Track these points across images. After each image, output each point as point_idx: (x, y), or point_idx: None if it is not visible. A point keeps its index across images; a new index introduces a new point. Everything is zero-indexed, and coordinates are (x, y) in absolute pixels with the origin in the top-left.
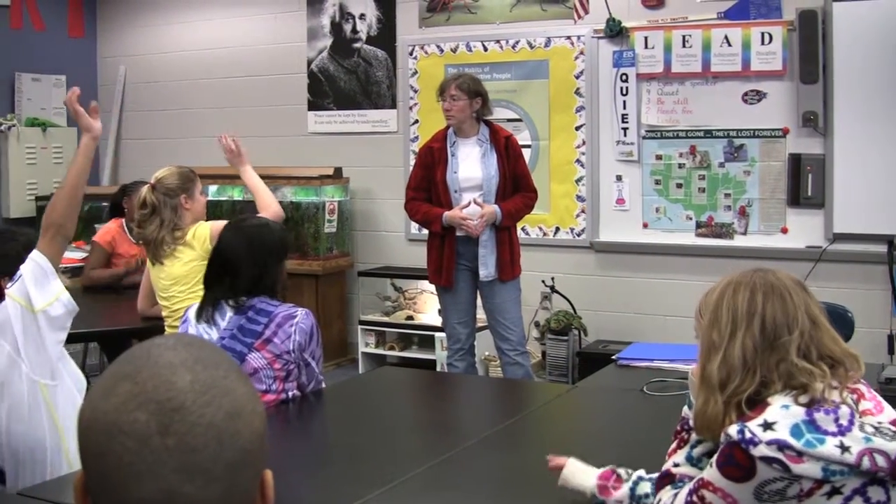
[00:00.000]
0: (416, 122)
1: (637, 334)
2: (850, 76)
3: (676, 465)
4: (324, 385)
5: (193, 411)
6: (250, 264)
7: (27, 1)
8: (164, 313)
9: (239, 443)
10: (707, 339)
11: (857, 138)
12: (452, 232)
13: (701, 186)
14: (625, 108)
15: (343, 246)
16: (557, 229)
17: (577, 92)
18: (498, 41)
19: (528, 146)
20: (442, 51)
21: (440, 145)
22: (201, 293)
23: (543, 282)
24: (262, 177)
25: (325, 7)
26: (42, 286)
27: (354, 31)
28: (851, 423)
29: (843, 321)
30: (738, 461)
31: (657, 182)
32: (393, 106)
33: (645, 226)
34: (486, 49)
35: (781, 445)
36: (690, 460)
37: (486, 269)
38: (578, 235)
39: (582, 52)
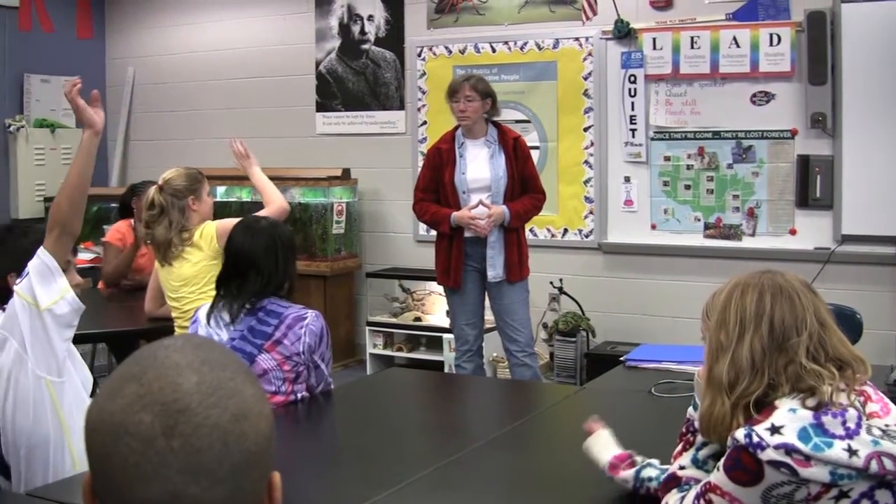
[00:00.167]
0: (425, 123)
1: (645, 336)
2: (858, 77)
3: (682, 468)
4: (332, 387)
5: (199, 413)
6: (262, 264)
7: (36, 2)
8: (174, 314)
9: (245, 444)
10: (714, 340)
11: (865, 140)
12: (460, 233)
13: (709, 188)
14: (633, 109)
15: (351, 247)
16: (565, 231)
17: (586, 93)
18: (506, 42)
19: (537, 147)
20: (450, 52)
21: (448, 146)
22: (211, 293)
23: (551, 283)
24: (271, 178)
25: (333, 8)
26: (47, 284)
27: (363, 32)
28: (859, 425)
29: (851, 323)
30: (745, 465)
31: (665, 183)
32: (401, 107)
33: (653, 227)
34: (494, 50)
35: (789, 449)
36: (696, 462)
37: (495, 271)
38: (586, 237)
39: (590, 54)
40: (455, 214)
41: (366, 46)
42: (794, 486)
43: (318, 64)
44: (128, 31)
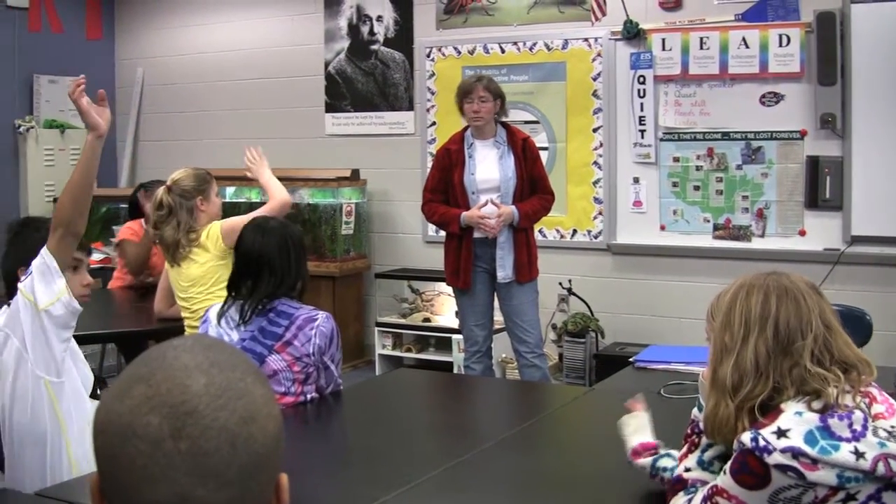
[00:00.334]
0: (434, 123)
1: (654, 336)
2: (868, 78)
3: (688, 470)
4: (341, 387)
5: (207, 415)
6: (276, 264)
7: (45, 3)
8: (183, 314)
9: (253, 447)
10: (719, 341)
11: (875, 140)
12: (470, 234)
13: (718, 189)
14: (642, 110)
15: (360, 248)
16: (574, 231)
17: (595, 94)
18: (515, 43)
19: (546, 148)
20: (459, 53)
21: (457, 147)
22: (219, 293)
23: (560, 284)
24: (280, 178)
25: (342, 9)
26: (47, 285)
27: (372, 32)
28: (865, 427)
29: (860, 324)
30: (752, 469)
31: (674, 184)
32: (410, 108)
33: (662, 228)
34: (503, 51)
35: (796, 453)
36: (702, 464)
37: (504, 271)
38: (595, 238)
39: (599, 54)
40: (465, 214)
41: (375, 47)
42: (802, 489)
43: (327, 64)
44: (137, 32)
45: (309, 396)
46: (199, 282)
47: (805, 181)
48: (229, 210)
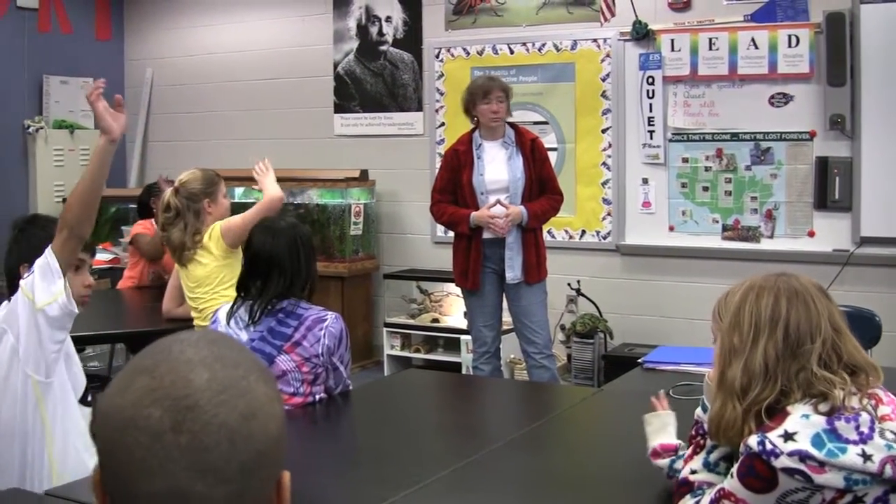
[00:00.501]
0: (443, 124)
1: (663, 337)
2: (877, 79)
3: (694, 472)
4: (350, 388)
5: (207, 410)
6: (286, 264)
7: (55, 4)
8: (192, 314)
9: (252, 445)
10: (727, 342)
11: (884, 141)
12: (479, 234)
13: (727, 189)
14: (651, 110)
15: (369, 248)
16: (583, 232)
17: (604, 94)
18: (524, 44)
19: (555, 149)
20: (468, 53)
21: (466, 148)
22: (224, 293)
23: (569, 285)
24: (289, 179)
25: (351, 10)
26: (46, 284)
27: (380, 33)
28: (872, 430)
29: (869, 325)
30: (759, 472)
31: (683, 185)
32: (419, 108)
33: (671, 229)
34: (512, 52)
35: (803, 456)
36: (707, 466)
37: (513, 272)
38: (604, 238)
39: (608, 55)
40: (474, 214)
41: (384, 48)
42: (809, 492)
43: (336, 65)
44: (146, 33)
45: (318, 397)
46: (205, 282)
47: (814, 182)
48: (238, 211)
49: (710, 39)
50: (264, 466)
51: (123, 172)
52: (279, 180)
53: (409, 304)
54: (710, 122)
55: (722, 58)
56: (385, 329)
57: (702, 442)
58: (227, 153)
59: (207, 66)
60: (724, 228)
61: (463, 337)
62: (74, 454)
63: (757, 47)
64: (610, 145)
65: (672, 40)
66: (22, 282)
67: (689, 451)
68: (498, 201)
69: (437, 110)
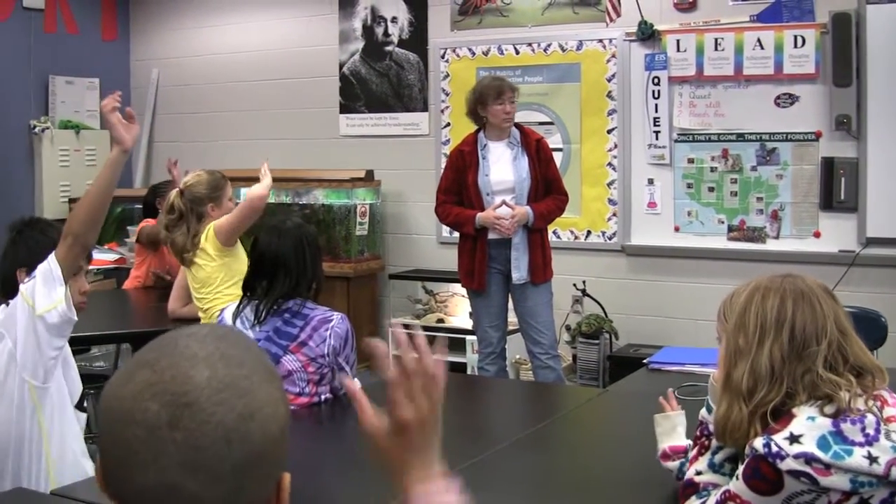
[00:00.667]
0: (448, 125)
1: (668, 338)
2: (883, 79)
3: (699, 473)
4: None
5: (205, 408)
6: (291, 264)
7: (61, 4)
8: (199, 314)
9: (249, 446)
10: (732, 343)
11: (890, 142)
12: (484, 235)
13: (733, 190)
14: (657, 111)
15: (374, 248)
16: (589, 233)
17: (609, 95)
18: (530, 44)
19: (560, 149)
20: (473, 54)
21: (471, 148)
22: (227, 292)
23: (575, 285)
24: (294, 179)
25: (356, 10)
26: (48, 291)
27: (386, 34)
28: (878, 431)
29: (875, 326)
30: (764, 475)
31: (689, 185)
32: (424, 109)
33: (676, 229)
34: (517, 52)
35: (809, 458)
36: (713, 467)
37: (519, 272)
38: (610, 239)
39: (614, 55)
40: (480, 215)
41: (389, 48)
42: (815, 494)
43: (341, 66)
44: (152, 33)
45: (323, 397)
46: (206, 283)
47: (820, 182)
48: None
49: (716, 40)
50: (261, 467)
51: (129, 173)
52: (285, 180)
53: (414, 305)
54: (715, 123)
55: (728, 58)
56: (390, 329)
57: (707, 443)
58: (232, 153)
59: (213, 67)
60: (730, 229)
61: (468, 337)
62: (72, 458)
63: (763, 48)
64: (615, 146)
65: (678, 41)
66: (22, 287)
67: (694, 452)
68: (504, 202)
69: (442, 111)
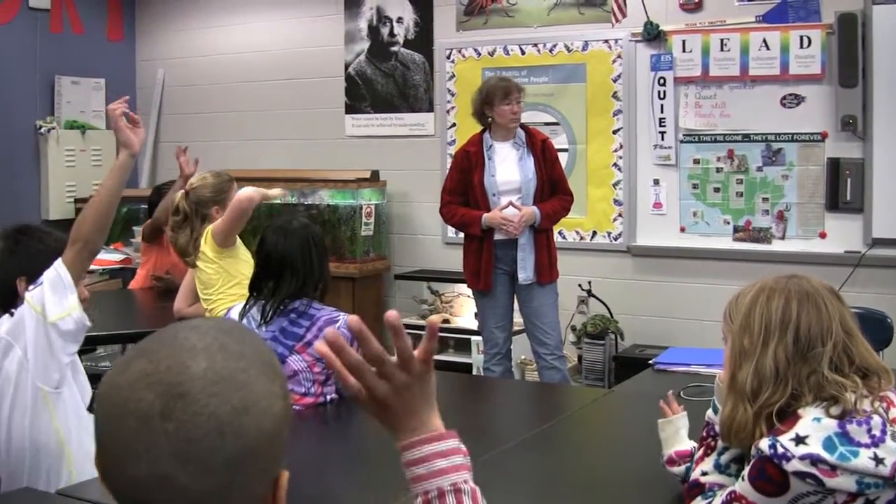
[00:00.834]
0: (454, 125)
1: (674, 339)
2: (889, 79)
3: (705, 474)
4: None
5: (198, 400)
6: (298, 264)
7: (67, 4)
8: (206, 315)
9: (242, 439)
10: (738, 344)
11: None
12: (490, 236)
13: (739, 191)
14: (662, 111)
15: (380, 249)
16: (594, 233)
17: (615, 95)
18: (535, 45)
19: (566, 150)
20: (479, 54)
21: (476, 149)
22: (230, 292)
23: (580, 286)
24: (300, 179)
25: (362, 10)
26: (59, 298)
27: (392, 34)
28: (884, 433)
29: (881, 327)
30: (770, 476)
31: (695, 186)
32: (430, 109)
33: (682, 230)
34: (523, 52)
35: (815, 460)
36: (719, 468)
37: (525, 273)
38: (615, 239)
39: (619, 56)
40: (486, 216)
41: (395, 48)
42: (821, 495)
43: (347, 66)
44: (157, 34)
45: (329, 397)
46: (208, 284)
47: (826, 183)
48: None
49: (722, 40)
50: (254, 463)
51: (135, 173)
52: (290, 180)
53: (419, 305)
54: (721, 123)
55: (733, 59)
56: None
57: (712, 443)
58: (237, 154)
59: (218, 67)
60: (736, 229)
61: (474, 338)
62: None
63: (768, 48)
64: (621, 146)
65: (683, 41)
66: (28, 295)
67: (699, 453)
68: (511, 203)
69: (448, 111)
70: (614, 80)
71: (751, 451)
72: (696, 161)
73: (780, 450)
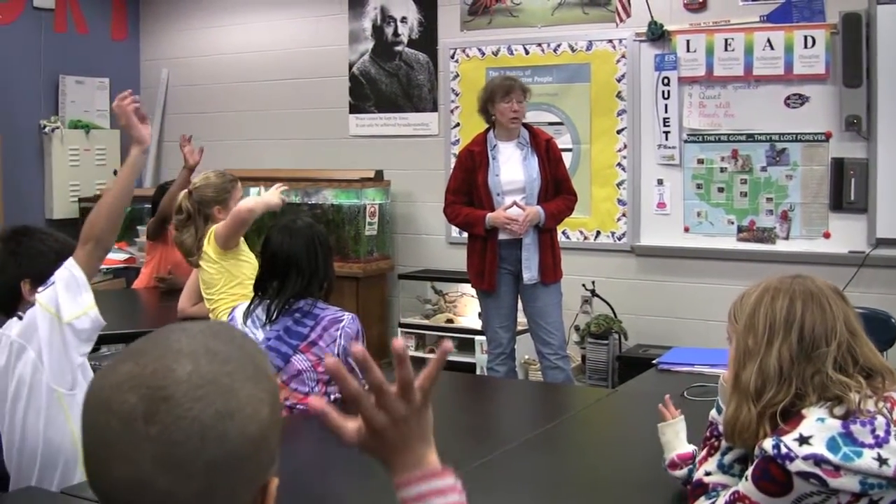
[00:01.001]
0: (458, 125)
1: (677, 339)
2: (893, 79)
3: (708, 474)
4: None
5: (182, 404)
6: (303, 264)
7: (71, 4)
8: (210, 314)
9: (225, 445)
10: (742, 344)
11: None
12: (494, 236)
13: (743, 191)
14: (666, 111)
15: (383, 249)
16: (598, 233)
17: (619, 95)
18: (539, 44)
19: (570, 150)
20: (483, 54)
21: (480, 149)
22: (232, 292)
23: (584, 286)
24: (304, 179)
25: (366, 10)
26: (73, 298)
27: (396, 34)
28: (888, 433)
29: (885, 327)
30: (774, 476)
31: (699, 186)
32: (434, 109)
33: (686, 230)
34: (527, 52)
35: (818, 460)
36: (722, 468)
37: (530, 272)
38: (619, 239)
39: (623, 56)
40: (490, 215)
41: (399, 48)
42: (824, 496)
43: (351, 66)
44: (161, 33)
45: (332, 397)
46: (211, 284)
47: (830, 183)
48: None
49: (726, 40)
50: (238, 469)
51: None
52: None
53: (423, 305)
54: (725, 123)
55: (737, 58)
56: (399, 329)
57: (716, 444)
58: (241, 153)
59: (223, 67)
60: (740, 230)
61: (477, 338)
62: None
63: (773, 48)
64: (625, 146)
65: (687, 41)
66: (38, 296)
67: (703, 453)
68: (515, 203)
69: (452, 111)
70: (618, 80)
71: (754, 452)
72: (700, 161)
73: (784, 450)
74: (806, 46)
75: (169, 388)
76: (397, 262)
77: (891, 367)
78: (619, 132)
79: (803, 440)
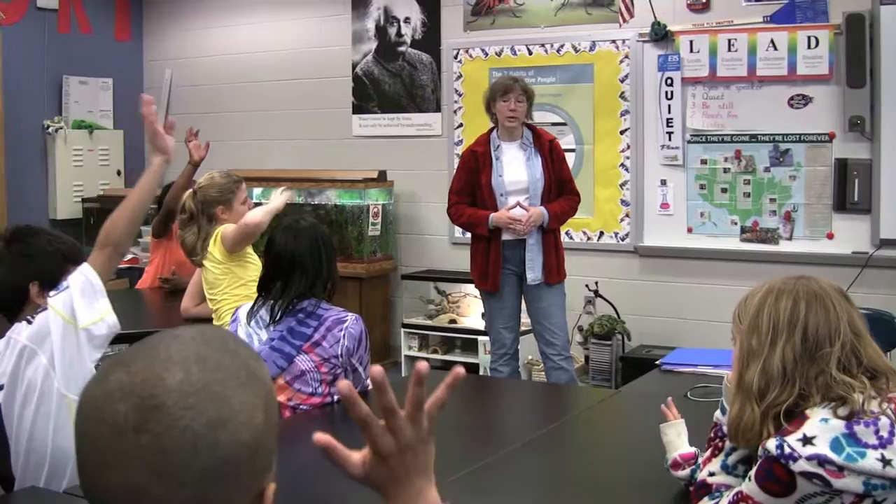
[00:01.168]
0: (461, 125)
1: (681, 339)
2: None
3: (712, 475)
4: (369, 389)
5: (173, 413)
6: (307, 264)
7: (75, 4)
8: (213, 314)
9: (217, 452)
10: (745, 345)
11: None
12: (498, 236)
13: (746, 191)
14: (669, 112)
15: (387, 249)
16: (601, 233)
17: (622, 96)
18: (543, 45)
19: (573, 150)
20: (486, 54)
21: (484, 149)
22: (235, 292)
23: (587, 286)
24: (307, 179)
25: (370, 11)
26: (89, 303)
27: (399, 34)
28: (892, 434)
29: (889, 328)
30: (777, 476)
31: (702, 186)
32: (437, 109)
33: (689, 230)
34: (530, 53)
35: (822, 460)
36: (726, 469)
37: (534, 273)
38: (622, 240)
39: (627, 56)
40: (494, 216)
41: (402, 48)
42: (828, 496)
43: (354, 66)
44: (165, 34)
45: (336, 397)
46: (214, 285)
47: (833, 184)
48: None
49: (729, 41)
50: (232, 476)
51: (142, 173)
52: (297, 180)
53: (426, 305)
54: (728, 124)
55: (741, 59)
56: (403, 330)
57: (720, 444)
58: (245, 154)
59: (226, 67)
60: (743, 230)
61: (480, 338)
62: None
63: (776, 48)
64: (628, 147)
65: (691, 41)
66: (51, 301)
67: (707, 454)
68: (518, 203)
69: (455, 111)
70: (621, 81)
71: (758, 452)
72: (704, 161)
73: (788, 450)
74: (809, 47)
75: (160, 397)
76: (400, 262)
77: (895, 368)
78: (622, 133)
79: (807, 440)
